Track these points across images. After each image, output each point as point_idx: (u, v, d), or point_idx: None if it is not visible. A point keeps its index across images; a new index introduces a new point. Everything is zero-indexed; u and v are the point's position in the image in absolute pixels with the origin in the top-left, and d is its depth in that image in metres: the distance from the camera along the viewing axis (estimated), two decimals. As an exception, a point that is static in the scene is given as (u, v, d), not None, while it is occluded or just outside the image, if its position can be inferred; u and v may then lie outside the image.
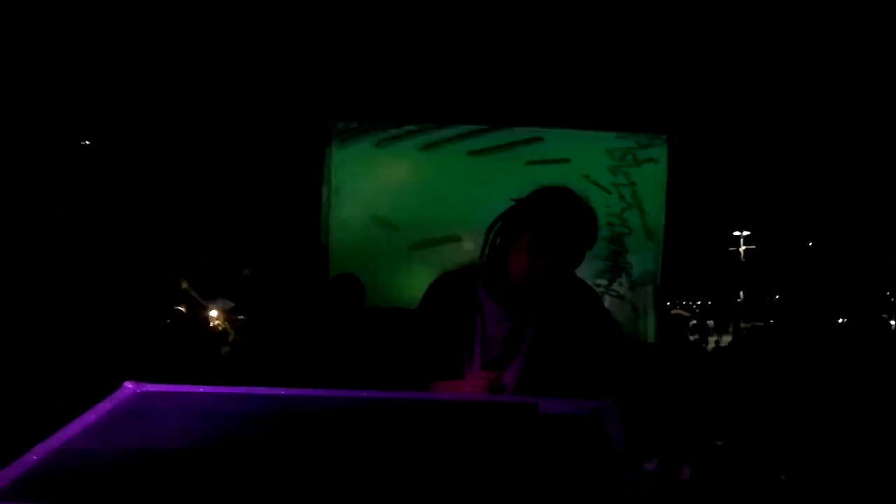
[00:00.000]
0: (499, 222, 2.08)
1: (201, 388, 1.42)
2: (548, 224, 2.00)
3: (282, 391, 1.40)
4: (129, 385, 1.42)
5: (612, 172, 3.81)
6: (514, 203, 2.08)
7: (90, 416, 1.31)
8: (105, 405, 1.35)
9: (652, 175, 3.83)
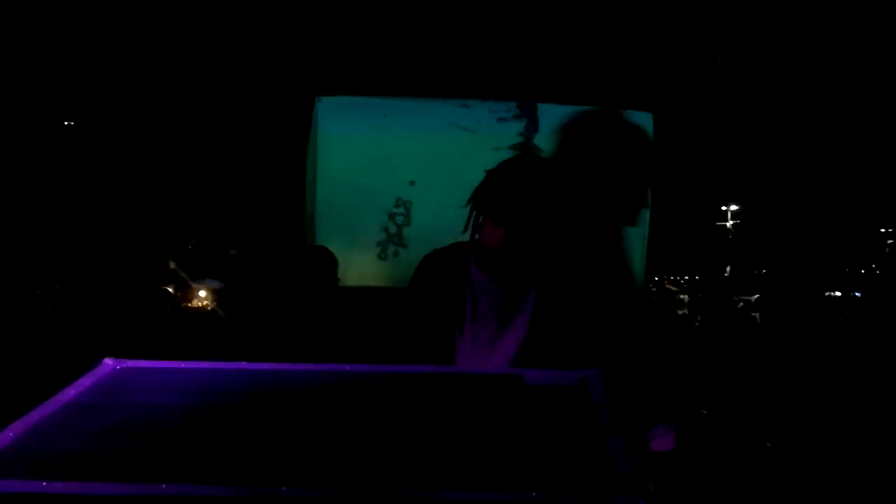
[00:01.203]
0: (473, 195, 2.08)
1: (181, 364, 1.40)
2: (501, 191, 1.99)
3: (263, 365, 1.38)
4: (108, 361, 1.40)
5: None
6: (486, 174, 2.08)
7: (69, 393, 1.30)
8: (84, 381, 1.34)
9: (637, 152, 3.80)
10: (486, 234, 2.02)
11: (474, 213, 2.08)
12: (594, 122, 3.75)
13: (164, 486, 0.99)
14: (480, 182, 2.08)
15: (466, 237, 2.15)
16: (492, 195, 2.01)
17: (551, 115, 3.84)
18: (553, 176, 2.03)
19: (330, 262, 3.42)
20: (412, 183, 3.62)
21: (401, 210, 3.63)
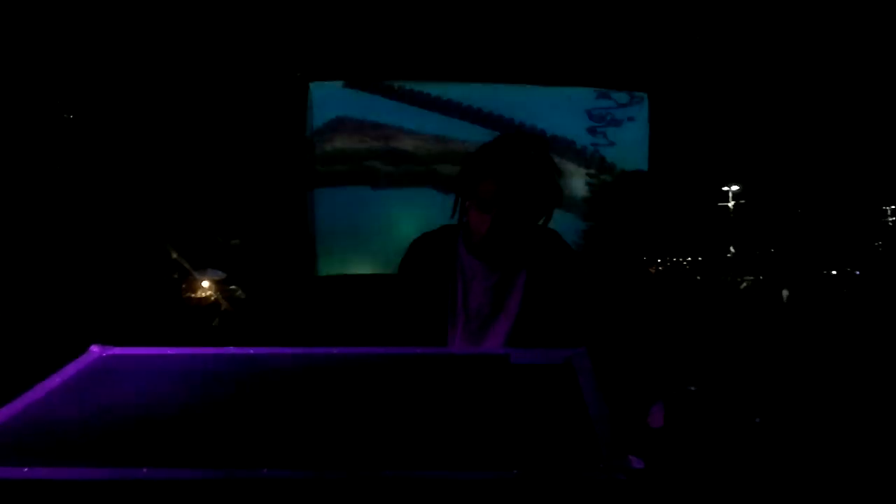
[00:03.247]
0: (457, 180, 2.07)
1: (169, 350, 1.40)
2: (484, 177, 1.97)
3: (248, 350, 1.39)
4: (94, 348, 1.40)
5: (591, 133, 3.77)
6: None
7: (55, 380, 1.30)
8: (70, 368, 1.34)
9: (632, 134, 3.78)
10: (473, 220, 2.01)
11: (460, 198, 2.07)
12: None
13: (144, 469, 0.99)
14: (462, 166, 2.06)
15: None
16: (475, 181, 1.99)
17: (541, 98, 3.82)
18: (535, 154, 2.00)
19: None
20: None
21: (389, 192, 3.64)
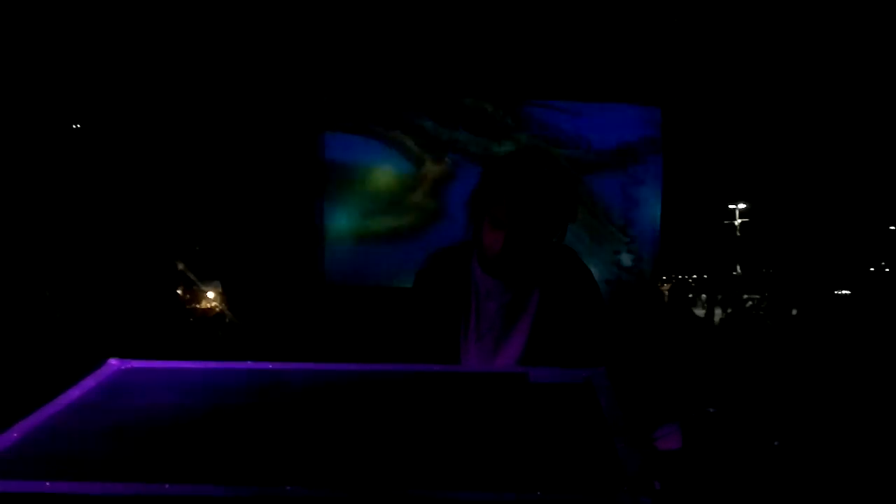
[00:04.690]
0: (471, 198, 2.05)
1: (186, 364, 1.40)
2: (498, 194, 1.94)
3: (267, 365, 1.38)
4: (113, 362, 1.40)
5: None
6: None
7: (73, 393, 1.30)
8: (88, 381, 1.34)
9: (648, 149, 3.80)
10: (486, 237, 1.98)
11: (473, 216, 2.05)
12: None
13: (167, 486, 0.99)
14: (476, 183, 2.03)
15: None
16: (488, 198, 1.97)
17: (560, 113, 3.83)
18: (550, 171, 1.97)
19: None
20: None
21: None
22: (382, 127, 4.65)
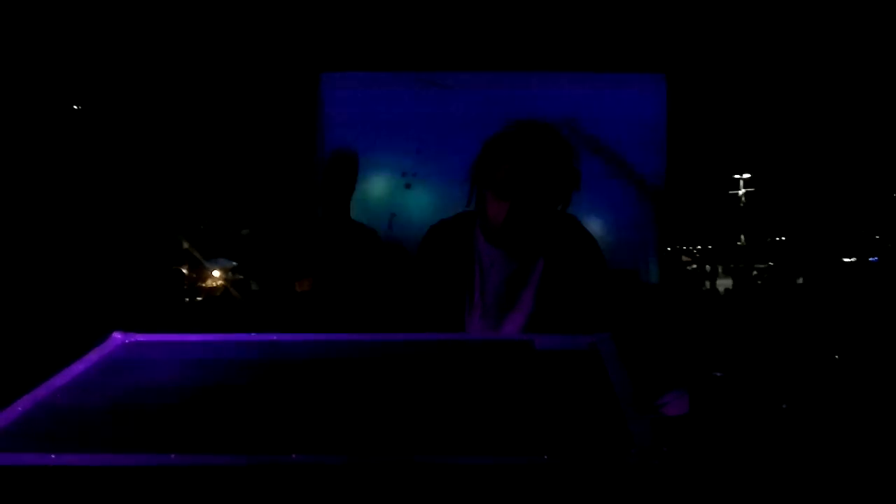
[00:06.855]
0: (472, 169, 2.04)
1: (189, 337, 1.40)
2: (500, 165, 1.94)
3: (271, 336, 1.37)
4: (117, 335, 1.40)
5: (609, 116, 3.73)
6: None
7: (78, 367, 1.29)
8: (93, 356, 1.33)
9: (651, 117, 3.75)
10: (490, 208, 1.98)
11: (476, 187, 2.04)
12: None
13: (172, 456, 0.99)
14: (478, 155, 2.02)
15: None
16: (491, 169, 1.96)
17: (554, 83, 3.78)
18: (551, 139, 1.97)
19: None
20: (418, 152, 3.59)
21: (407, 180, 3.62)
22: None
